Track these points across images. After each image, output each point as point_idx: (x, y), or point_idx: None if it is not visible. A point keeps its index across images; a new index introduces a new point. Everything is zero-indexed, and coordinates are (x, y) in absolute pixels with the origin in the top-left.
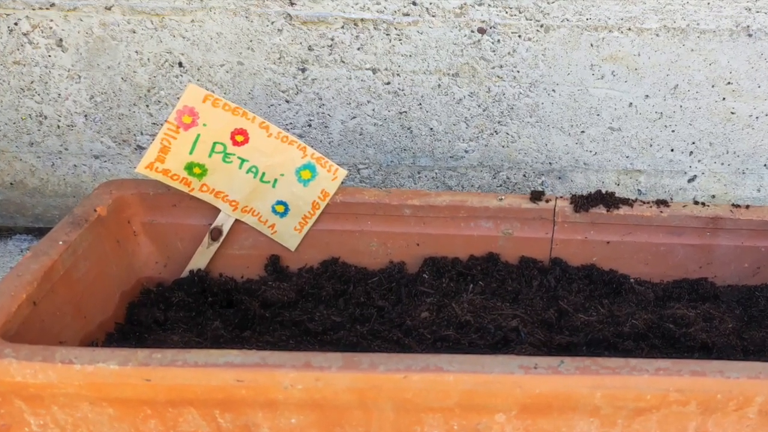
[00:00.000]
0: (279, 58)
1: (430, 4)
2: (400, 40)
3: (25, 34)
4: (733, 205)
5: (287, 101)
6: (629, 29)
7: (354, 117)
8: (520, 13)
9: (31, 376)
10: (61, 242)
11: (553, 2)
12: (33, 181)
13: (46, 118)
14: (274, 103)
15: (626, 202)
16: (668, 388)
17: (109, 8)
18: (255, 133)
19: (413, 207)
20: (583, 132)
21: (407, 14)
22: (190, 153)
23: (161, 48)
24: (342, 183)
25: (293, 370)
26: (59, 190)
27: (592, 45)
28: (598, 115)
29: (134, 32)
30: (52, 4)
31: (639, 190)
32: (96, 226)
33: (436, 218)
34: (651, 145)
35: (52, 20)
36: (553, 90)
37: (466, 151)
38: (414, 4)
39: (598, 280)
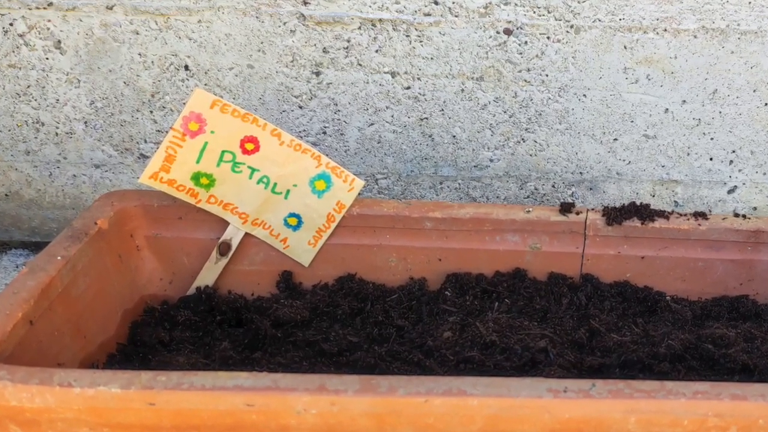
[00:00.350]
0: (292, 61)
1: (453, 3)
2: (420, 41)
3: (21, 36)
4: None
5: (300, 107)
6: (665, 30)
7: (372, 124)
8: (548, 12)
9: (27, 399)
10: (59, 257)
11: (583, 1)
12: (29, 192)
13: (43, 124)
14: (287, 108)
15: (662, 214)
16: (707, 413)
17: (110, 8)
18: (266, 140)
19: (435, 220)
20: (615, 140)
21: (428, 14)
22: (197, 162)
23: (166, 50)
24: (359, 194)
25: (307, 394)
26: (57, 202)
27: (625, 47)
28: (632, 121)
29: (137, 33)
30: (50, 4)
31: (675, 201)
32: (96, 241)
33: (459, 232)
34: (688, 154)
35: (49, 20)
36: (584, 95)
37: (491, 160)
38: (436, 3)
39: (632, 298)
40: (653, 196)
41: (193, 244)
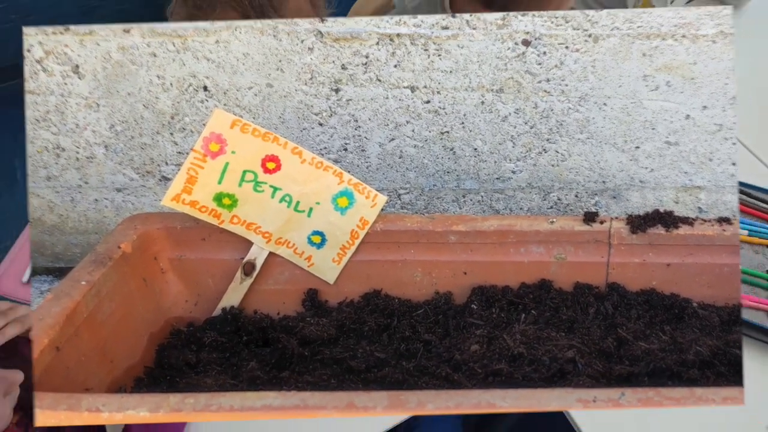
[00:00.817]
0: (310, 79)
1: (471, 15)
2: (439, 55)
3: (38, 61)
4: None
5: (321, 124)
6: (684, 36)
7: (392, 139)
8: (566, 22)
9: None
10: (83, 282)
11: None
12: (51, 218)
13: (63, 150)
14: (307, 126)
15: (686, 221)
16: None
17: (127, 31)
18: (287, 159)
19: (459, 233)
20: (637, 147)
21: (446, 27)
22: (219, 183)
23: (184, 71)
24: (382, 210)
25: (336, 412)
26: (80, 227)
27: (644, 54)
28: (653, 128)
29: (155, 55)
30: (67, 29)
31: (699, 207)
32: (120, 265)
33: (484, 244)
34: (711, 160)
35: (66, 45)
36: (605, 104)
37: (514, 172)
38: (453, 16)
39: (659, 306)
40: (677, 202)
41: (217, 265)
